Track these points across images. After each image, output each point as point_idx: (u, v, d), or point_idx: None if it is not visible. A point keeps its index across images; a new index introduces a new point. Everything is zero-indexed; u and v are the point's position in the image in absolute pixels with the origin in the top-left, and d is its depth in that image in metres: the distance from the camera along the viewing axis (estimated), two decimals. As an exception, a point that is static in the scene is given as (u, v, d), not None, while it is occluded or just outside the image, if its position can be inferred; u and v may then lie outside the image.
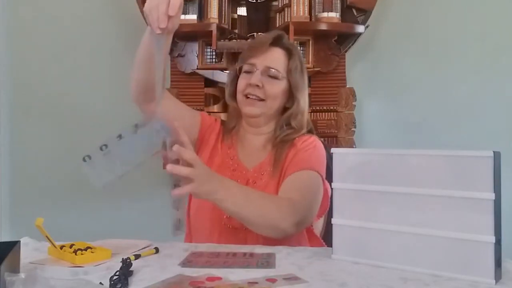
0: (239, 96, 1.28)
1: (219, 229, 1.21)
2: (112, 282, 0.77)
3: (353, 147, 1.97)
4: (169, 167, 0.91)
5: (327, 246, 1.27)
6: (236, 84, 1.30)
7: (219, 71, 2.01)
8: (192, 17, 1.99)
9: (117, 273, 0.80)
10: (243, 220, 1.06)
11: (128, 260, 0.87)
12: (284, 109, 1.31)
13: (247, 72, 1.27)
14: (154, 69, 1.00)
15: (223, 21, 2.03)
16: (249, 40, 1.99)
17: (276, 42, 1.28)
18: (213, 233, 1.21)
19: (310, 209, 1.15)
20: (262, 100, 1.25)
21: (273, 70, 1.25)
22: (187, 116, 1.31)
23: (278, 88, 1.26)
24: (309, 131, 1.34)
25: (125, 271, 0.82)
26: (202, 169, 0.96)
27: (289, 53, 1.29)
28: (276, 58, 1.27)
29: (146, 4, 0.98)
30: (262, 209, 1.06)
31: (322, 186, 1.20)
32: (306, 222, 1.16)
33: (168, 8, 0.94)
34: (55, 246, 0.96)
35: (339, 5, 1.98)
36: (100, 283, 0.78)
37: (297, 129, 1.29)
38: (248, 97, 1.25)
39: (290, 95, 1.29)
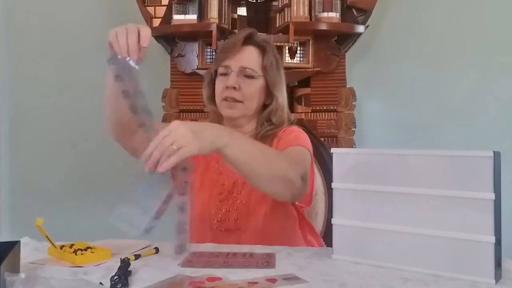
0: (218, 100, 1.27)
1: (211, 234, 1.21)
2: (112, 282, 0.77)
3: (353, 147, 1.97)
4: (161, 167, 0.85)
5: (327, 246, 1.27)
6: (213, 87, 1.29)
7: (219, 71, 2.01)
8: (192, 17, 1.99)
9: (117, 273, 0.80)
10: (251, 171, 1.00)
11: (127, 259, 0.87)
12: (264, 106, 1.30)
13: (223, 74, 1.26)
14: (133, 101, 0.95)
15: (223, 21, 2.03)
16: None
17: (248, 40, 1.27)
18: (206, 239, 1.19)
19: (307, 172, 1.14)
20: (240, 101, 1.24)
21: (248, 69, 1.24)
22: None
23: (255, 87, 1.25)
24: (291, 124, 1.33)
25: (125, 271, 0.82)
26: (182, 129, 0.87)
27: (263, 50, 1.27)
28: (250, 57, 1.26)
29: (111, 34, 0.96)
30: (270, 159, 1.03)
31: (311, 162, 1.21)
32: (306, 184, 1.13)
33: (138, 38, 0.94)
34: (55, 246, 0.96)
35: (339, 5, 1.98)
36: (100, 283, 0.78)
37: (278, 125, 1.28)
38: (227, 100, 1.24)
39: (268, 92, 1.28)
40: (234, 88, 1.22)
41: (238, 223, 1.20)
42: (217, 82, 1.28)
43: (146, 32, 0.96)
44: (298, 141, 1.22)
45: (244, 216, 1.19)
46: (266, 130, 1.27)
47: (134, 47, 0.94)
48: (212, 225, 1.21)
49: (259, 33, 1.35)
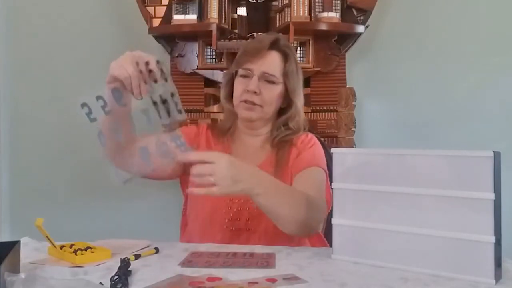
0: (236, 101, 1.27)
1: (221, 233, 1.21)
2: (112, 282, 0.77)
3: (353, 147, 1.97)
4: (189, 190, 0.92)
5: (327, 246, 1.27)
6: (231, 86, 1.30)
7: (219, 71, 2.01)
8: (192, 17, 1.99)
9: (117, 273, 0.80)
10: (272, 215, 1.06)
11: (127, 259, 0.87)
12: (280, 109, 1.31)
13: (243, 76, 1.26)
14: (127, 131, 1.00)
15: (223, 21, 2.03)
16: (249, 40, 1.99)
17: (273, 45, 1.27)
18: (215, 237, 1.20)
19: (326, 206, 1.18)
20: (259, 105, 1.25)
21: (270, 76, 1.25)
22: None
23: (275, 92, 1.26)
24: (306, 132, 1.35)
25: (125, 271, 0.82)
26: (225, 168, 0.93)
27: (285, 56, 1.28)
28: (273, 62, 1.26)
29: (116, 68, 0.97)
30: (297, 207, 1.05)
31: (327, 181, 1.23)
32: (322, 223, 1.19)
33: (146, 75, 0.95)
34: (55, 246, 0.96)
35: (339, 5, 1.98)
36: (100, 283, 0.78)
37: (295, 130, 1.30)
38: (246, 102, 1.25)
39: (286, 96, 1.29)
40: (255, 92, 1.23)
41: (249, 223, 1.20)
42: (236, 83, 1.28)
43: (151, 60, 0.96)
44: (317, 160, 1.25)
45: (256, 217, 1.19)
46: (284, 135, 1.29)
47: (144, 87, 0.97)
48: (223, 224, 1.21)
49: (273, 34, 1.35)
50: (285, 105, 1.30)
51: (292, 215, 1.05)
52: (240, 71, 1.27)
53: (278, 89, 1.27)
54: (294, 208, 1.05)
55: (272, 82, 1.25)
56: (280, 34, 1.33)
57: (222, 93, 1.35)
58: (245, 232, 1.20)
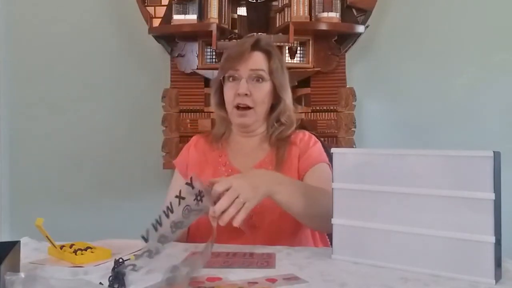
0: (229, 107, 1.29)
1: (227, 234, 1.21)
2: (110, 283, 0.77)
3: (353, 147, 1.97)
4: (221, 221, 0.93)
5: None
6: (221, 93, 1.32)
7: (219, 71, 2.01)
8: (192, 17, 1.99)
9: (111, 275, 0.80)
10: (296, 211, 1.07)
11: (121, 260, 0.86)
12: (272, 106, 1.33)
13: (232, 80, 1.28)
14: None
15: (223, 21, 2.03)
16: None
17: (255, 46, 1.29)
18: (222, 235, 1.20)
19: None
20: (251, 108, 1.27)
21: (258, 71, 1.26)
22: None
23: (264, 91, 1.28)
24: (299, 126, 1.39)
25: (119, 271, 0.82)
26: (242, 182, 0.94)
27: (269, 54, 1.30)
28: (257, 61, 1.28)
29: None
30: (315, 200, 1.07)
31: None
32: None
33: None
34: (55, 246, 0.96)
35: (339, 5, 1.98)
36: (100, 283, 0.78)
37: (289, 125, 1.33)
38: (239, 107, 1.27)
39: (275, 94, 1.31)
40: (246, 94, 1.25)
41: (253, 219, 1.20)
42: (226, 88, 1.29)
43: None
44: (322, 156, 1.30)
45: (260, 213, 1.19)
46: (279, 132, 1.31)
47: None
48: (228, 225, 1.21)
49: (260, 33, 1.36)
50: (275, 103, 1.32)
51: (309, 209, 1.06)
52: (228, 76, 1.28)
53: (267, 87, 1.29)
54: (311, 203, 1.06)
55: (261, 80, 1.27)
56: (261, 34, 1.35)
57: (213, 101, 1.36)
58: (250, 228, 1.20)
